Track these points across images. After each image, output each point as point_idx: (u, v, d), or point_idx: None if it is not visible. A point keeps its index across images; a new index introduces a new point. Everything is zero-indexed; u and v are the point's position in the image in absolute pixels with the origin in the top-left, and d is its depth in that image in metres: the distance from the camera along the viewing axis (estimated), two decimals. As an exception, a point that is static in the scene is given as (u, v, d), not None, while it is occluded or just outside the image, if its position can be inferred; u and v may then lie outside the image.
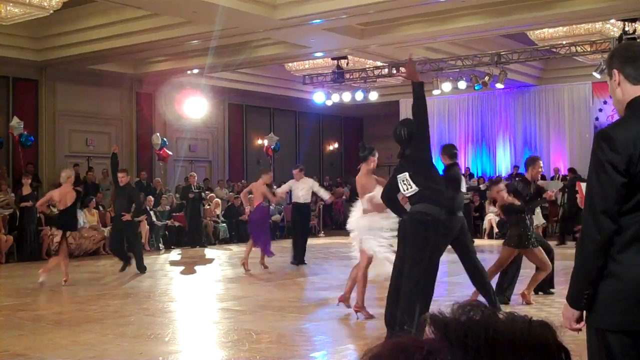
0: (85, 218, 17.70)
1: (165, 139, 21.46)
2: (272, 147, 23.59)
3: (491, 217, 21.41)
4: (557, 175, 23.56)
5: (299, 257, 14.69)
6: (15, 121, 18.49)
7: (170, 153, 21.73)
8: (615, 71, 3.05)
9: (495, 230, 21.24)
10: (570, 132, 24.79)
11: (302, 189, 14.56)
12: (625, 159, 2.87)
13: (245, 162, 27.11)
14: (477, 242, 20.67)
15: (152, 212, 19.43)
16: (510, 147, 26.28)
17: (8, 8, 14.54)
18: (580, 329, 3.04)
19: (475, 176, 25.73)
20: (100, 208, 19.10)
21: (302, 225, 15.01)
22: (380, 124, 30.11)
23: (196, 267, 15.29)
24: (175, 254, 18.45)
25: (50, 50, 19.55)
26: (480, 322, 1.03)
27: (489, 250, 19.47)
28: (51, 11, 14.61)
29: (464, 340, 0.99)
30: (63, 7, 14.73)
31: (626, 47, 3.15)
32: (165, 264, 16.39)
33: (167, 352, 7.17)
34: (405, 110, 28.10)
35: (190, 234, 20.01)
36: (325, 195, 15.22)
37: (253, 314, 9.43)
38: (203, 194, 20.63)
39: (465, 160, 26.97)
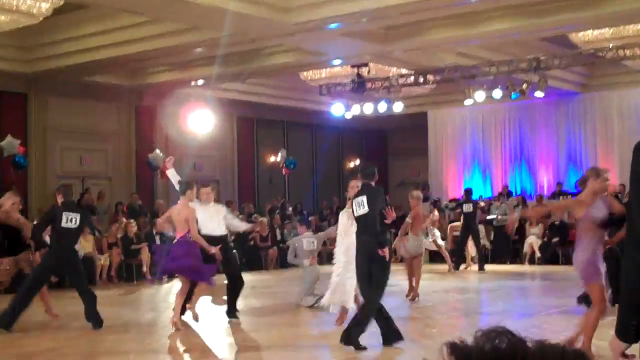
0: (80, 245, 17.81)
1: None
2: (284, 164, 23.60)
3: (532, 240, 21.32)
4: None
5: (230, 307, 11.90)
6: (7, 140, 18.55)
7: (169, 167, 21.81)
8: None
9: (537, 254, 21.13)
10: (620, 145, 24.64)
11: (212, 217, 11.63)
12: None
13: (256, 181, 27.20)
14: (517, 268, 20.59)
15: (157, 237, 19.53)
16: (552, 163, 26.18)
17: (-6, 15, 14.70)
18: None
19: (513, 195, 25.63)
20: (97, 233, 19.24)
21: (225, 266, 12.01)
22: (406, 138, 30.12)
23: (203, 298, 15.30)
24: (179, 284, 18.47)
25: (40, 61, 19.76)
26: (506, 352, 1.03)
27: (530, 277, 19.39)
28: (41, 18, 14.68)
29: None
30: (54, 13, 14.78)
31: None
32: (168, 294, 16.41)
33: (171, 392, 7.19)
34: (434, 123, 28.14)
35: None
36: (241, 225, 12.79)
37: (267, 351, 9.44)
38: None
39: (503, 177, 26.88)
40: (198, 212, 11.11)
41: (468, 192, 21.00)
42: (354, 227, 9.57)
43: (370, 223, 9.00)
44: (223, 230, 11.69)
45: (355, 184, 10.56)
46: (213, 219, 11.50)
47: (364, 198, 9.07)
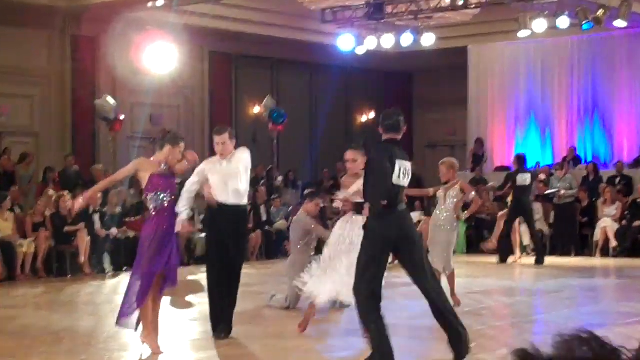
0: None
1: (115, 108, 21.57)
2: (270, 117, 23.48)
3: (607, 223, 21.32)
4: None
5: (224, 319, 11.04)
6: None
7: (122, 117, 21.83)
8: None
9: (613, 243, 21.14)
10: None
11: (224, 175, 10.82)
12: None
13: (235, 140, 27.13)
14: (586, 261, 20.63)
15: (96, 216, 19.53)
16: (635, 119, 26.14)
17: None
18: None
19: (583, 162, 25.61)
20: (17, 209, 19.21)
21: (231, 253, 10.85)
22: (438, 83, 30.04)
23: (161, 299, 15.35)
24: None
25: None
26: None
27: (602, 274, 19.44)
28: None
29: None
30: None
31: None
32: (113, 294, 16.49)
33: None
34: (477, 62, 28.07)
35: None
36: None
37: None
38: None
39: (569, 138, 26.85)
40: (210, 171, 10.77)
41: (520, 158, 20.71)
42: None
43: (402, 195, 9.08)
44: (240, 198, 10.84)
45: (352, 156, 10.54)
46: (224, 179, 10.69)
47: (408, 165, 9.02)
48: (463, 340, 9.03)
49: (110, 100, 21.60)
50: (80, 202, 10.60)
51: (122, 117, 21.77)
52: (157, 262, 9.89)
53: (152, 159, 10.31)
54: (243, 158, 10.87)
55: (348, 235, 10.66)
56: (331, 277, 10.58)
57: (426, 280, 9.06)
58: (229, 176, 10.69)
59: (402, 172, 8.86)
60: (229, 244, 10.75)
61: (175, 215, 10.15)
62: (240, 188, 10.75)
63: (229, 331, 11.01)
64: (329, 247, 10.94)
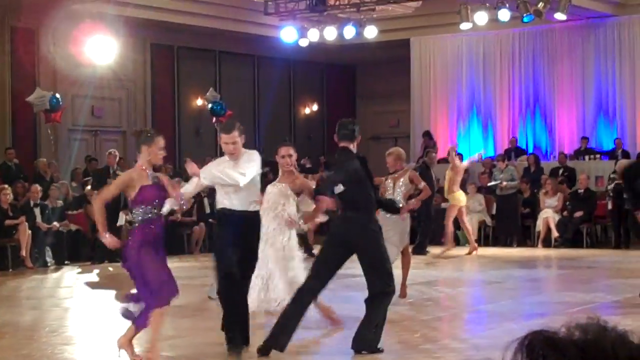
0: None
1: (57, 96, 21.36)
2: (211, 107, 23.38)
3: (548, 214, 21.51)
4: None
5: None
6: None
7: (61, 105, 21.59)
8: None
9: (555, 234, 21.33)
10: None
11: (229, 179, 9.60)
12: None
13: (177, 132, 27.03)
14: (528, 252, 20.82)
15: (37, 209, 19.38)
16: (576, 111, 26.36)
17: None
18: None
19: (526, 153, 25.78)
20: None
21: (243, 266, 9.63)
22: (381, 75, 30.09)
23: (104, 292, 15.26)
24: (71, 273, 18.42)
25: None
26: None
27: (544, 265, 19.62)
28: None
29: None
30: None
31: None
32: (56, 287, 16.36)
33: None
34: (419, 55, 28.16)
35: (95, 242, 19.91)
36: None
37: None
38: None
39: (511, 129, 27.02)
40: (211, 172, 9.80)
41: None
42: (292, 207, 10.27)
43: (351, 199, 9.20)
44: (250, 202, 9.71)
45: (287, 152, 10.48)
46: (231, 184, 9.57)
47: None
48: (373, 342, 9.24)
49: (42, 90, 21.38)
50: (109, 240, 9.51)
51: (61, 104, 21.56)
52: (168, 285, 9.28)
53: (136, 165, 9.46)
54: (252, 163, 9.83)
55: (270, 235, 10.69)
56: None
57: (370, 280, 9.36)
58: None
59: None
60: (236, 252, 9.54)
61: (161, 227, 9.18)
62: (246, 193, 9.61)
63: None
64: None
